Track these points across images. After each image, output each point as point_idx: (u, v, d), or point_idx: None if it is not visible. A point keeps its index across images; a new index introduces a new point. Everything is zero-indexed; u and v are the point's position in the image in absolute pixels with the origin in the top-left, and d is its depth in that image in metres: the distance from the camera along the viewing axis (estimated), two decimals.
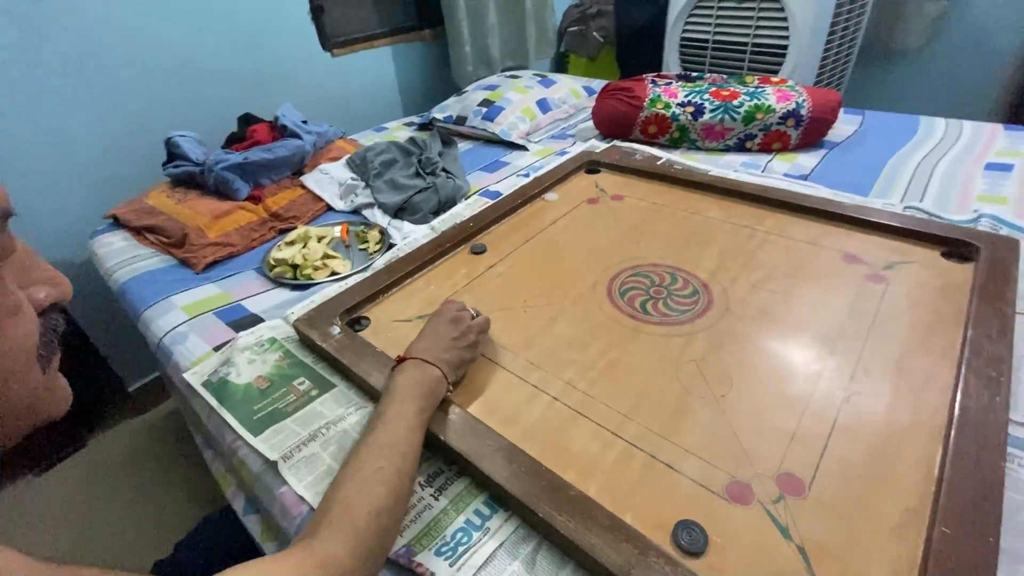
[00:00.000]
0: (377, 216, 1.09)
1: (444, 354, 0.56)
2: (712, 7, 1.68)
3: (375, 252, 0.98)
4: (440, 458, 0.55)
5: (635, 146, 1.25)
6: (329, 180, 1.20)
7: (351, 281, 0.83)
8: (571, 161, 1.14)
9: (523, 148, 1.38)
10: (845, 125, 1.30)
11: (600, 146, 1.25)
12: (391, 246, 0.98)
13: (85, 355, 1.34)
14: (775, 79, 1.33)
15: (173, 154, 1.16)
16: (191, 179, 1.14)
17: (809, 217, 0.88)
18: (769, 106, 1.20)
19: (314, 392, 0.65)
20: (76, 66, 1.16)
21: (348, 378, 0.66)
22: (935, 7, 1.81)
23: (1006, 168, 1.04)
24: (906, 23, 1.87)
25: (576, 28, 2.22)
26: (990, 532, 0.40)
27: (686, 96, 1.27)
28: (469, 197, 1.12)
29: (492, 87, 1.55)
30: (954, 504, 0.43)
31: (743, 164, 1.18)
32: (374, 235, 1.02)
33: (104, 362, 1.40)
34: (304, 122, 1.29)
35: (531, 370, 0.64)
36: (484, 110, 1.45)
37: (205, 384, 0.68)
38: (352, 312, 0.76)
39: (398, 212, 1.08)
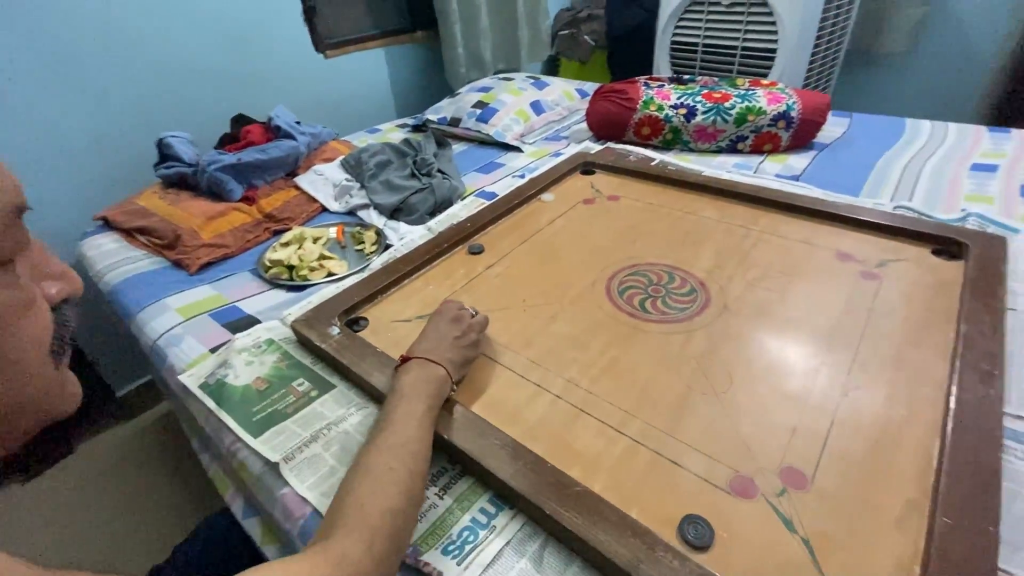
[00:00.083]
0: (373, 217, 1.08)
1: (447, 353, 0.56)
2: (702, 11, 1.70)
3: (371, 253, 0.97)
4: (443, 457, 0.55)
5: (629, 147, 1.26)
6: (323, 181, 1.19)
7: (348, 282, 0.82)
8: (566, 162, 1.15)
9: (517, 149, 1.38)
10: (834, 127, 1.32)
11: (594, 147, 1.26)
12: (388, 247, 0.97)
13: (72, 360, 1.32)
14: (765, 82, 1.35)
15: (165, 155, 1.15)
16: (183, 180, 1.13)
17: (802, 217, 0.90)
18: (760, 108, 1.22)
19: (314, 393, 0.65)
20: (66, 65, 1.14)
21: (348, 379, 0.66)
22: (917, 12, 1.85)
23: (991, 169, 1.06)
24: (889, 28, 1.91)
25: (567, 32, 2.23)
26: (990, 522, 0.41)
27: (679, 98, 1.28)
28: (465, 198, 1.12)
29: (485, 89, 1.56)
30: (954, 495, 0.43)
31: (735, 165, 1.19)
32: (370, 236, 1.01)
33: (92, 367, 1.37)
34: (297, 123, 1.29)
35: (532, 368, 0.64)
36: (478, 112, 1.46)
37: (202, 386, 0.68)
38: (350, 313, 0.76)
39: (394, 213, 1.08)
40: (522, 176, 1.16)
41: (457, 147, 1.44)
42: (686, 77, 1.44)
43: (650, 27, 1.87)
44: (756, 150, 1.25)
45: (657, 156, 1.19)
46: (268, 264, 0.94)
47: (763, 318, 0.69)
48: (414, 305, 0.77)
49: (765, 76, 1.64)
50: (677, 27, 1.78)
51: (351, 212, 1.13)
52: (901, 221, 0.82)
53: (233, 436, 0.60)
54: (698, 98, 1.27)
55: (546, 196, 1.04)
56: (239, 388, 0.66)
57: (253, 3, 1.39)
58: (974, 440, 0.48)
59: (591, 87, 1.70)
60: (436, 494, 0.51)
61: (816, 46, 1.61)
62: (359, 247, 1.00)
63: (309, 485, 0.54)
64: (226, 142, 1.24)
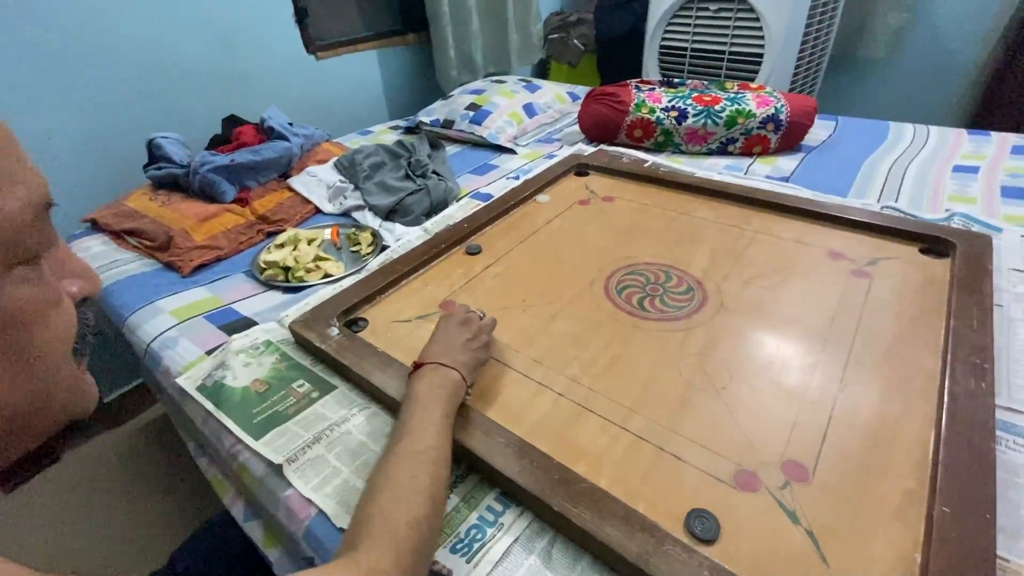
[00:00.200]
0: (368, 218, 1.08)
1: (460, 356, 0.55)
2: (690, 16, 1.72)
3: (368, 254, 0.97)
4: None
5: (621, 150, 1.27)
6: (317, 183, 1.18)
7: (345, 283, 0.82)
8: (560, 164, 1.16)
9: (511, 151, 1.39)
10: (820, 130, 1.35)
11: (587, 150, 1.27)
12: (384, 248, 0.97)
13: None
14: (753, 85, 1.37)
15: (155, 156, 1.13)
16: (174, 181, 1.11)
17: (793, 217, 0.91)
18: (750, 111, 1.24)
19: (315, 394, 0.64)
20: (52, 66, 1.12)
21: (349, 379, 0.66)
22: (897, 19, 1.89)
23: (972, 170, 1.09)
24: (871, 34, 1.96)
25: (557, 35, 2.25)
26: (987, 509, 0.42)
27: (670, 101, 1.30)
28: (460, 199, 1.12)
29: (478, 91, 1.56)
30: (951, 484, 0.45)
31: (726, 167, 1.21)
32: (366, 237, 1.01)
33: None
34: (290, 124, 1.28)
35: (534, 367, 0.64)
36: (471, 114, 1.46)
37: (200, 388, 0.67)
38: (349, 313, 0.75)
39: (389, 214, 1.07)
40: (516, 178, 1.16)
41: (450, 149, 1.44)
42: (676, 80, 1.47)
43: (639, 31, 1.89)
44: (746, 152, 1.27)
45: (649, 158, 1.20)
46: (263, 266, 0.93)
47: (759, 316, 0.70)
48: (413, 305, 0.77)
49: (752, 80, 1.67)
50: (666, 31, 1.80)
51: (345, 213, 1.13)
52: (889, 221, 0.85)
53: (234, 438, 0.59)
54: (689, 101, 1.29)
55: (541, 197, 1.05)
56: (238, 390, 0.65)
57: (243, 4, 1.38)
58: (968, 431, 0.49)
59: (582, 90, 1.71)
60: None
61: (802, 51, 1.64)
62: (354, 248, 1.00)
63: (313, 486, 0.53)
64: (217, 143, 1.23)
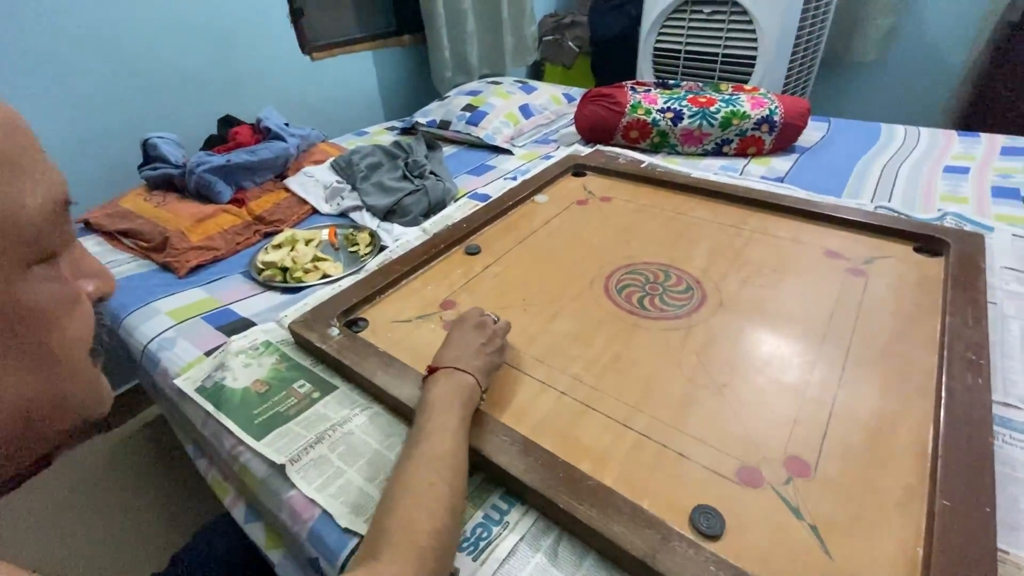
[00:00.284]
0: (365, 219, 1.08)
1: (475, 361, 0.54)
2: (684, 18, 1.74)
3: (366, 254, 0.97)
4: None
5: (617, 150, 1.28)
6: (314, 183, 1.18)
7: (344, 284, 0.81)
8: (557, 165, 1.16)
9: (508, 152, 1.39)
10: (813, 131, 1.37)
11: (584, 150, 1.28)
12: (383, 248, 0.97)
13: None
14: (748, 87, 1.38)
15: (150, 156, 1.12)
16: (169, 182, 1.10)
17: (790, 216, 0.92)
18: (744, 112, 1.25)
19: (316, 394, 0.64)
20: (46, 66, 1.11)
21: (350, 379, 0.65)
22: (887, 22, 1.92)
23: (963, 171, 1.11)
24: (861, 37, 1.98)
25: (552, 37, 2.26)
26: (986, 502, 0.43)
27: (665, 103, 1.31)
28: (458, 200, 1.12)
29: (474, 92, 1.56)
30: (951, 478, 0.45)
31: (721, 168, 1.22)
32: (364, 237, 1.01)
33: None
34: (286, 124, 1.27)
35: (536, 366, 0.64)
36: (468, 115, 1.46)
37: (199, 390, 0.66)
38: (349, 313, 0.75)
39: (387, 215, 1.07)
40: (514, 178, 1.17)
41: (447, 149, 1.44)
42: (671, 82, 1.48)
43: (633, 33, 1.91)
44: (741, 153, 1.28)
45: (646, 159, 1.21)
46: (261, 266, 0.92)
47: (758, 314, 0.71)
48: (414, 305, 0.77)
49: (746, 82, 1.68)
50: (660, 33, 1.82)
51: (343, 214, 1.13)
52: (884, 220, 0.86)
53: (234, 440, 0.59)
54: (684, 102, 1.30)
55: (540, 197, 1.05)
56: (238, 391, 0.65)
57: (239, 5, 1.37)
58: (966, 426, 0.50)
59: (578, 92, 1.72)
60: None
61: (794, 53, 1.66)
62: (352, 249, 1.00)
63: (316, 487, 0.53)
64: (213, 143, 1.22)
